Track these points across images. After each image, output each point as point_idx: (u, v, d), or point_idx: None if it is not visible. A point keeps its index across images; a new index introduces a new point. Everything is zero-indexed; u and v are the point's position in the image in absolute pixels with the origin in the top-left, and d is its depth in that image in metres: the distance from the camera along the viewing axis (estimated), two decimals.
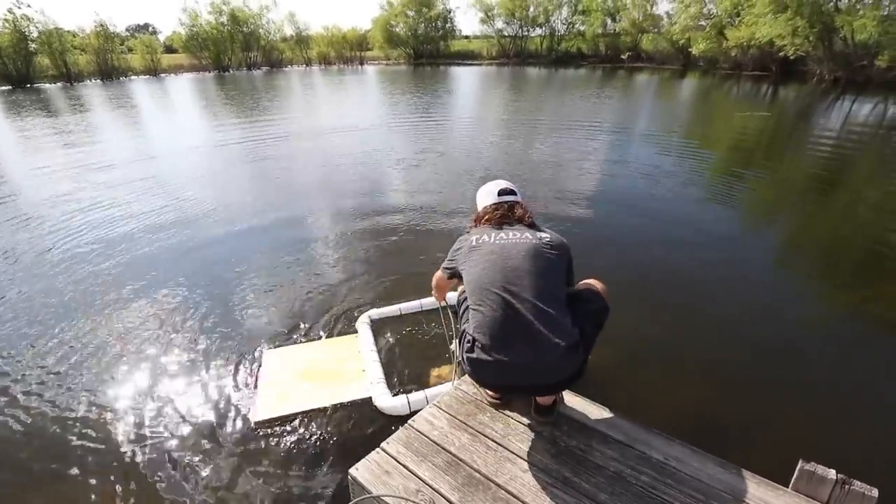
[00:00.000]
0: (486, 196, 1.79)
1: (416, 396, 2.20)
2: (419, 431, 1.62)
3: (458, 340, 1.57)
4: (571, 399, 1.75)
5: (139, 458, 1.97)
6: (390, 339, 2.76)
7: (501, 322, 1.41)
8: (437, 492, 1.38)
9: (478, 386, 1.81)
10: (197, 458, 1.97)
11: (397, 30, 43.12)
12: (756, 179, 6.32)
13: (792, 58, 18.94)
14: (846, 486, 1.25)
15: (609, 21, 35.50)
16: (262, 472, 1.91)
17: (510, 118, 11.64)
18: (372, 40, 44.97)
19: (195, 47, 37.45)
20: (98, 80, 30.45)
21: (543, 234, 1.60)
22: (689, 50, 26.11)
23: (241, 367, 2.56)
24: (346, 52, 44.82)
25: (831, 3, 16.66)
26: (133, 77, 32.89)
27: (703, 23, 25.30)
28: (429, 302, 3.01)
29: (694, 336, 2.78)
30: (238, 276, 3.60)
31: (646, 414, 1.88)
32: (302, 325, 2.94)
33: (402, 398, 2.20)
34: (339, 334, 2.85)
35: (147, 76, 33.72)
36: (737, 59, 23.64)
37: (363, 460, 1.50)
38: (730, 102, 14.58)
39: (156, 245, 4.21)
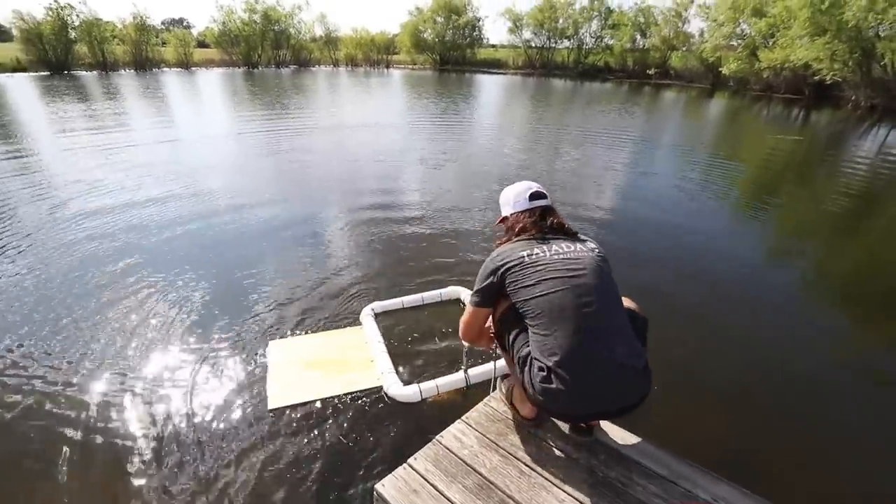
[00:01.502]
0: (516, 201, 1.61)
1: (427, 385, 2.22)
2: (448, 449, 1.54)
3: (516, 367, 1.43)
4: (608, 427, 1.66)
5: (147, 449, 1.93)
6: (395, 331, 2.79)
7: (583, 347, 1.29)
8: None
9: (509, 404, 1.73)
10: (210, 449, 1.92)
11: (425, 35, 43.45)
12: (786, 202, 6.14)
13: (828, 82, 18.48)
14: None
15: (638, 36, 35.25)
16: (277, 461, 1.87)
17: (534, 127, 11.58)
18: (399, 44, 45.37)
19: (227, 43, 38.26)
20: (132, 70, 31.32)
21: (591, 245, 1.50)
22: (720, 69, 25.71)
23: (247, 356, 2.54)
24: (373, 55, 45.28)
25: (871, 29, 16.22)
26: (165, 69, 33.73)
27: (735, 42, 24.91)
28: (430, 295, 3.13)
29: (719, 363, 2.64)
30: (244, 265, 3.62)
31: (674, 444, 1.77)
32: (305, 317, 2.94)
33: (413, 387, 2.22)
34: (342, 326, 2.86)
35: (179, 69, 34.54)
36: (768, 80, 23.17)
37: (390, 476, 1.43)
38: (760, 124, 14.26)
39: (165, 228, 4.28)
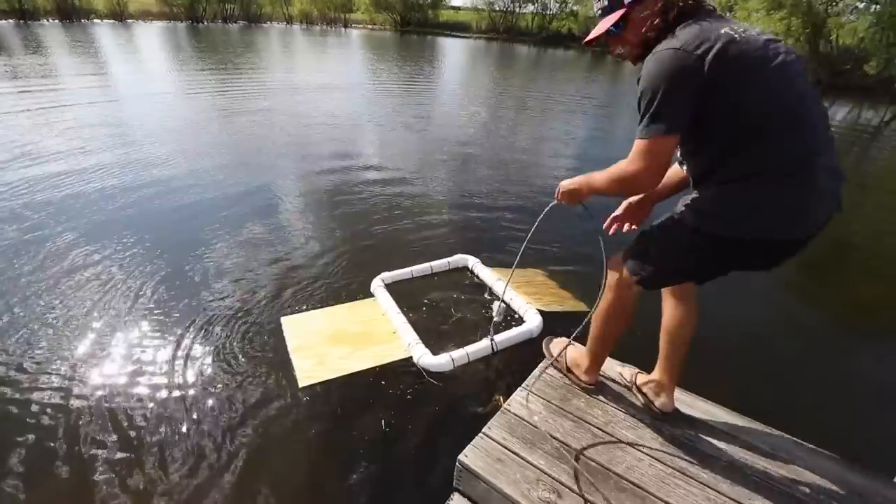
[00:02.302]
0: None
1: (458, 353, 2.23)
2: (518, 416, 1.55)
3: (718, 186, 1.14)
4: None
5: (179, 447, 1.75)
6: (409, 301, 2.73)
7: (808, 147, 1.05)
8: (557, 481, 1.33)
9: (565, 372, 1.75)
10: (247, 436, 1.80)
11: None
12: None
13: None
14: None
15: None
16: (324, 441, 1.82)
17: (504, 94, 11.49)
18: (357, 2, 43.00)
19: None
20: (56, 20, 27.99)
21: None
22: None
23: (259, 335, 2.39)
24: (330, 13, 42.71)
25: (822, 5, 17.00)
26: (96, 20, 30.39)
27: None
28: (438, 264, 3.11)
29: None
30: (217, 238, 3.36)
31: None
32: (308, 290, 2.81)
33: (445, 356, 2.21)
34: (349, 298, 2.77)
35: (112, 21, 31.20)
36: None
37: (470, 447, 1.43)
38: None
39: (117, 198, 3.94)
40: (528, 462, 1.38)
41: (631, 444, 1.46)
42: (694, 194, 1.23)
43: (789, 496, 1.32)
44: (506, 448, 1.43)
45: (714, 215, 1.16)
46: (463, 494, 1.42)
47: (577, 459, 1.40)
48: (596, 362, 1.64)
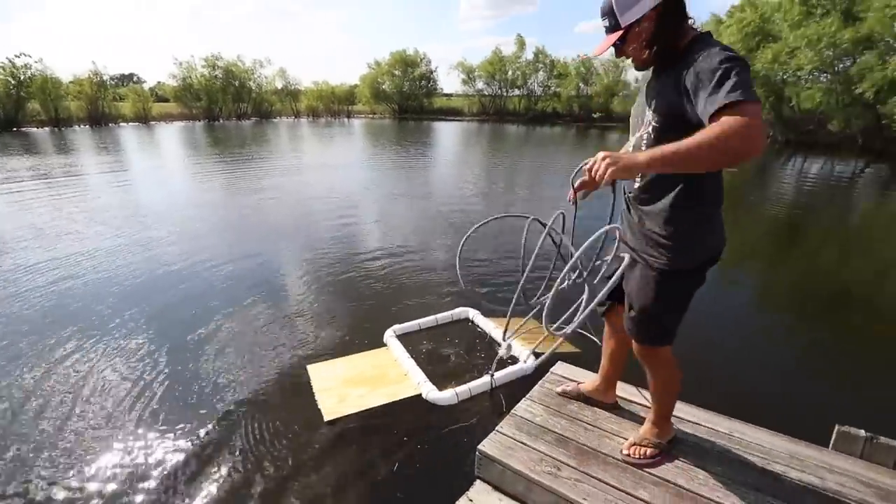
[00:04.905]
0: None
1: (461, 388, 2.58)
2: (523, 418, 1.93)
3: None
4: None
5: (223, 467, 2.12)
6: (417, 349, 3.14)
7: None
8: (556, 460, 1.69)
9: (568, 376, 2.14)
10: (282, 461, 2.14)
11: (384, 87, 45.51)
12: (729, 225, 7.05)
13: None
14: (874, 441, 1.64)
15: (582, 84, 38.60)
16: (347, 462, 2.14)
17: (495, 167, 12.52)
18: (359, 95, 47.16)
19: (187, 98, 38.42)
20: (86, 126, 30.72)
21: None
22: None
23: (288, 379, 2.83)
24: (334, 106, 46.68)
25: (778, 77, 18.91)
26: (123, 124, 33.32)
27: None
28: (443, 316, 3.52)
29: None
30: (240, 306, 3.81)
31: None
32: (327, 344, 3.25)
33: (450, 391, 2.56)
34: (364, 349, 3.16)
35: (137, 123, 34.20)
36: None
37: (487, 440, 1.80)
38: None
39: (132, 281, 4.34)
40: (533, 448, 1.75)
41: (615, 434, 1.83)
42: (672, 229, 1.41)
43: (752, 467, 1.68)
44: (515, 440, 1.80)
45: (711, 242, 1.46)
46: (482, 480, 1.77)
47: (572, 445, 1.77)
48: (668, 419, 1.75)
